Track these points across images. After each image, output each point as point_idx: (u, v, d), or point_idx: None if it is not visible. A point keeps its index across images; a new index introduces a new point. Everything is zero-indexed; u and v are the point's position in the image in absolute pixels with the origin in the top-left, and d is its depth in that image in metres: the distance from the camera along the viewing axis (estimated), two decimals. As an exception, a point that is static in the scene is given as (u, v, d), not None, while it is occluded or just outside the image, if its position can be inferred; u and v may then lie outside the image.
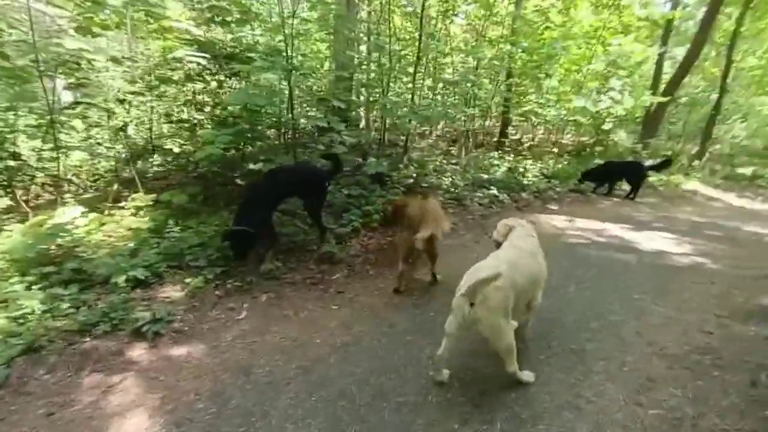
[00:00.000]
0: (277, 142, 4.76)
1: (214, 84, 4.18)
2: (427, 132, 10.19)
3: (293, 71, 4.22)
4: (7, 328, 2.37)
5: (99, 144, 4.87)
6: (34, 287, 2.68)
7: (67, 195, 4.20)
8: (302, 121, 4.90)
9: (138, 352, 2.41)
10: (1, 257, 2.88)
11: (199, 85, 4.24)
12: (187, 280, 3.00)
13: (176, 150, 4.46)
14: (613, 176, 7.51)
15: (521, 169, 7.62)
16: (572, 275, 3.55)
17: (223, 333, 2.64)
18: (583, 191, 7.20)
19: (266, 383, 2.17)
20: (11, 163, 3.86)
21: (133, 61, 3.67)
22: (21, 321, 2.45)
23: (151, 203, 3.86)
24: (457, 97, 7.81)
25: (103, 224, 3.67)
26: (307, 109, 5.30)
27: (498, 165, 7.53)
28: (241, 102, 3.54)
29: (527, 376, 2.15)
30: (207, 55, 3.40)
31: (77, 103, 3.99)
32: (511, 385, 2.12)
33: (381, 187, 5.07)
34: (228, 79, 4.08)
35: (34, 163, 4.14)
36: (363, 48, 6.85)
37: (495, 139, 10.25)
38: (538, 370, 2.23)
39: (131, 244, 3.33)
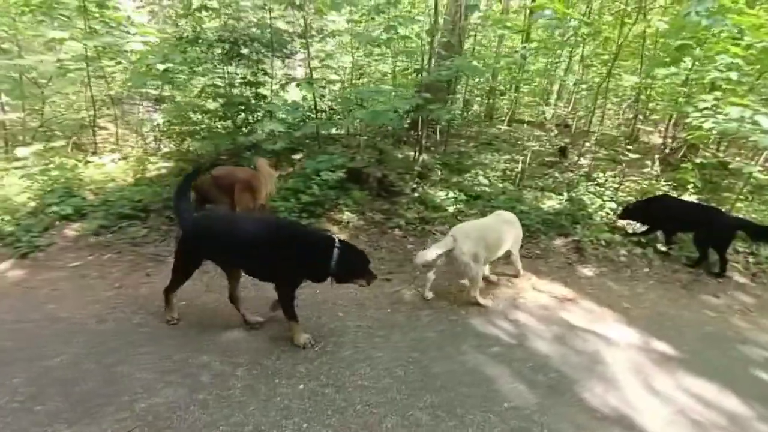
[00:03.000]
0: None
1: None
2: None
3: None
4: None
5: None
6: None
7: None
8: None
9: (6, 263, 3.52)
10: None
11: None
12: (78, 224, 3.95)
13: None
14: (672, 222, 4.38)
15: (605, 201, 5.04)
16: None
17: (48, 273, 3.44)
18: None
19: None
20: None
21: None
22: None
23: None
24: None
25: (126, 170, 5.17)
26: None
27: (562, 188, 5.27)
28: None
29: (485, 301, 3.21)
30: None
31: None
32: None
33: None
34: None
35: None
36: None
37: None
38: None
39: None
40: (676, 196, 5.18)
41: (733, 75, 4.63)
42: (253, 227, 2.61)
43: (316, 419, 2.07)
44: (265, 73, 5.69)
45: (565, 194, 5.24)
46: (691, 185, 5.66)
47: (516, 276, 3.68)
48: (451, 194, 4.89)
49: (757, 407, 2.40)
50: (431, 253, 2.98)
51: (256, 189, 3.76)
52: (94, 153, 5.45)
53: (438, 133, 7.15)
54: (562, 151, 7.33)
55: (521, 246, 3.72)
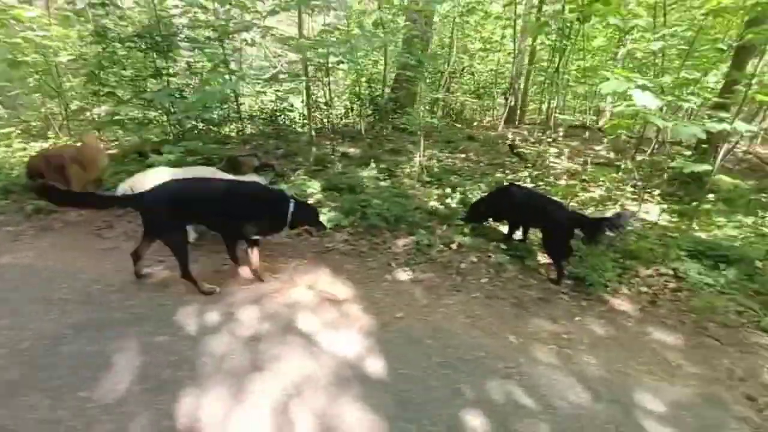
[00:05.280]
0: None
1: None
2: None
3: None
4: None
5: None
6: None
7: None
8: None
9: None
10: None
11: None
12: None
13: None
14: (515, 212, 3.72)
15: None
16: None
17: None
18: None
19: None
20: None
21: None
22: None
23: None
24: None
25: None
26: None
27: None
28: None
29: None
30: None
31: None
32: None
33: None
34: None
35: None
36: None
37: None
38: None
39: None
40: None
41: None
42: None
43: None
44: (190, 67, 6.04)
45: (452, 192, 4.54)
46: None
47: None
48: (308, 183, 4.58)
49: None
50: None
51: (85, 163, 3.95)
52: (40, 137, 6.28)
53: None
54: (512, 149, 6.39)
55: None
